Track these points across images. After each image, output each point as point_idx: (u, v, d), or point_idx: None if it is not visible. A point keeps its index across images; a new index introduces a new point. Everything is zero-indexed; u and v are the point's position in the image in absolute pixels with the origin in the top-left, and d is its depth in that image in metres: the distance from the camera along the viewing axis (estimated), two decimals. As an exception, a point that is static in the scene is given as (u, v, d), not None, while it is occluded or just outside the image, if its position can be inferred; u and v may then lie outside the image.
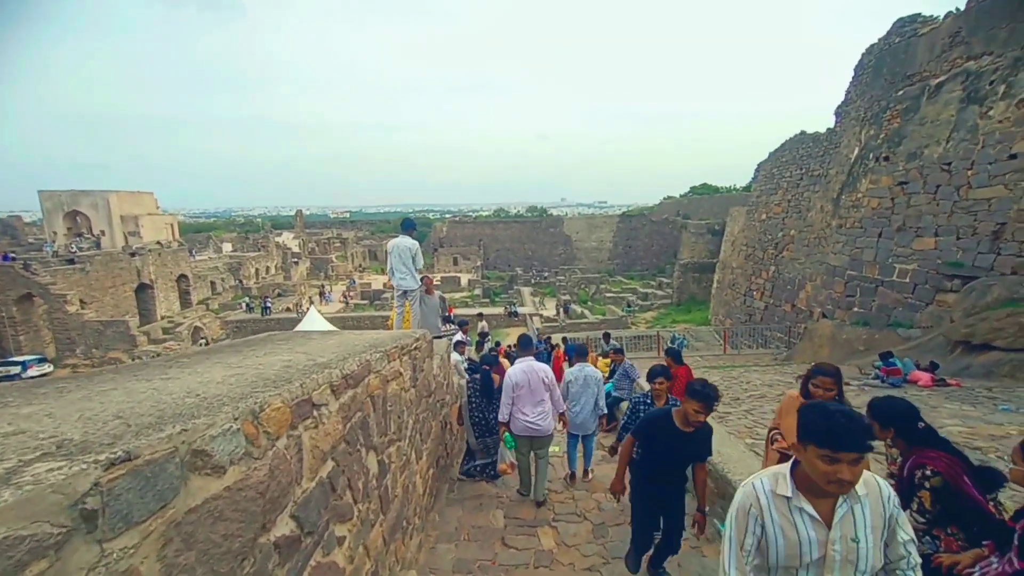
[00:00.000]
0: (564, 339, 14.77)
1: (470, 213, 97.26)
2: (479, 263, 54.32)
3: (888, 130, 12.26)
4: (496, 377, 5.29)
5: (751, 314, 19.62)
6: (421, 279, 6.64)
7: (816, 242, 16.22)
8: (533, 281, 49.32)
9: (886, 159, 12.23)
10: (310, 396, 1.84)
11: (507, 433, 4.87)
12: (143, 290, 35.57)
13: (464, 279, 48.21)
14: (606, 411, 5.64)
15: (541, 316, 32.09)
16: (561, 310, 33.20)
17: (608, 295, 41.52)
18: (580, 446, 5.42)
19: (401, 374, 3.30)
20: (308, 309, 25.01)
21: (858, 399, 8.07)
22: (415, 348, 3.74)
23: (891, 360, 8.69)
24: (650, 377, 4.14)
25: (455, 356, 7.07)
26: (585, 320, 30.12)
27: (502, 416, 4.72)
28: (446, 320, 9.37)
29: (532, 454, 4.82)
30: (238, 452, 1.30)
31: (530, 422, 4.61)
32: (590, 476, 5.44)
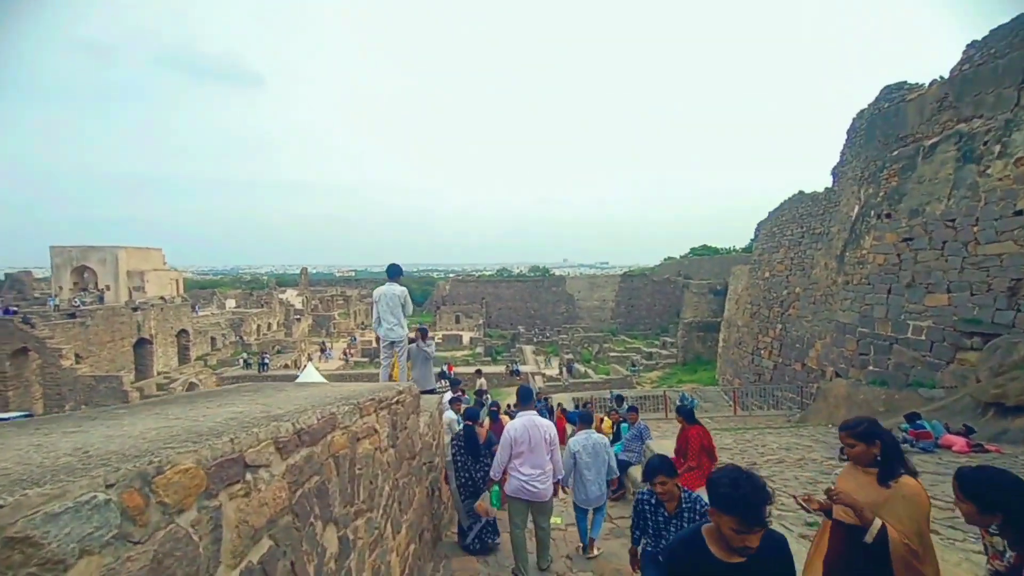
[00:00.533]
0: (560, 405, 14.21)
1: (473, 272, 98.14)
2: (481, 321, 53.97)
3: (887, 188, 12.33)
4: (481, 431, 4.93)
5: (760, 373, 18.97)
6: (414, 328, 6.28)
7: (823, 299, 15.93)
8: (535, 340, 48.81)
9: (888, 216, 12.20)
10: (242, 455, 1.48)
11: (495, 487, 4.44)
12: (142, 345, 35.19)
13: (466, 337, 47.67)
14: (617, 473, 5.18)
15: (544, 375, 31.30)
16: (564, 369, 32.45)
17: (612, 354, 40.90)
18: (589, 515, 4.89)
19: (377, 431, 2.92)
20: (306, 365, 24.44)
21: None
22: (396, 402, 3.36)
23: (919, 422, 8.10)
24: (648, 476, 3.11)
25: (449, 414, 6.60)
26: (589, 380, 29.28)
27: (493, 473, 4.27)
28: (442, 377, 8.95)
29: (531, 524, 4.31)
30: (101, 535, 0.94)
31: (528, 483, 4.10)
32: (595, 551, 4.85)
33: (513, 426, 4.26)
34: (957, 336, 10.47)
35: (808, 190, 18.41)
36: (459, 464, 4.83)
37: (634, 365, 36.63)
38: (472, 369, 22.29)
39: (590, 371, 34.31)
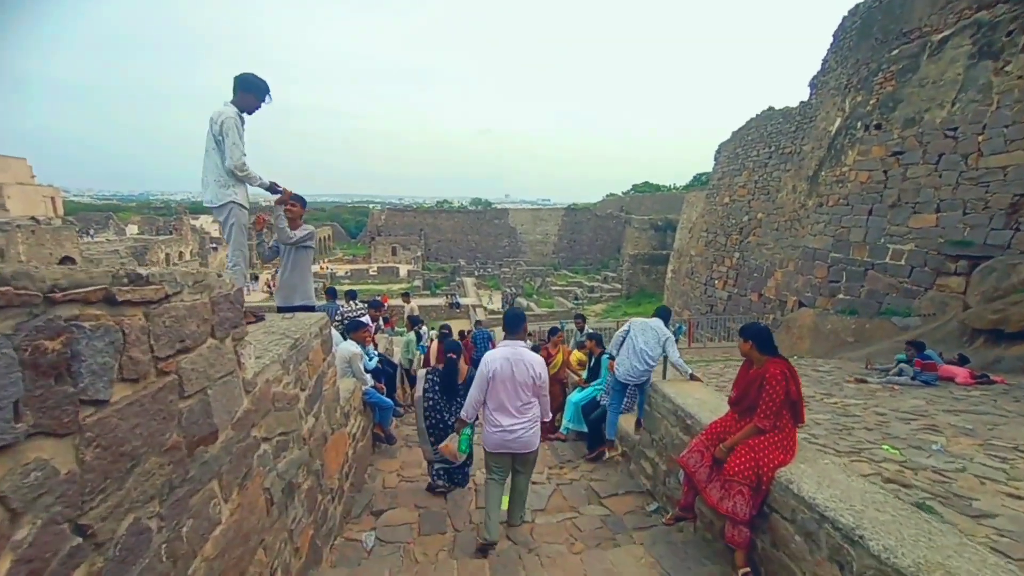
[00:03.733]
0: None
1: (412, 205, 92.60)
2: (420, 253, 51.06)
3: (880, 95, 10.93)
4: (464, 368, 4.22)
5: (712, 304, 18.25)
6: (276, 192, 3.60)
7: (788, 225, 14.93)
8: (477, 273, 47.05)
9: (877, 127, 10.88)
10: None
11: (466, 430, 3.59)
12: (8, 274, 29.50)
13: (403, 270, 44.99)
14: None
15: (485, 308, 29.87)
16: (506, 302, 31.12)
17: (554, 288, 40.23)
18: None
19: None
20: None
21: (897, 400, 6.33)
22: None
23: (926, 353, 7.04)
24: None
25: (348, 346, 4.48)
26: (532, 312, 28.19)
27: (466, 414, 3.43)
28: (350, 297, 6.78)
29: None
30: None
31: (509, 434, 3.24)
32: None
33: (492, 357, 3.30)
34: (940, 260, 9.58)
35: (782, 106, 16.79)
36: (430, 403, 4.15)
37: (577, 298, 36.08)
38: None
39: (533, 304, 33.28)
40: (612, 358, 4.66)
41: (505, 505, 3.46)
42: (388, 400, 5.01)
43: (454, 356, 4.17)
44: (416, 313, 9.62)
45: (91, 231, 49.56)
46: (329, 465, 3.13)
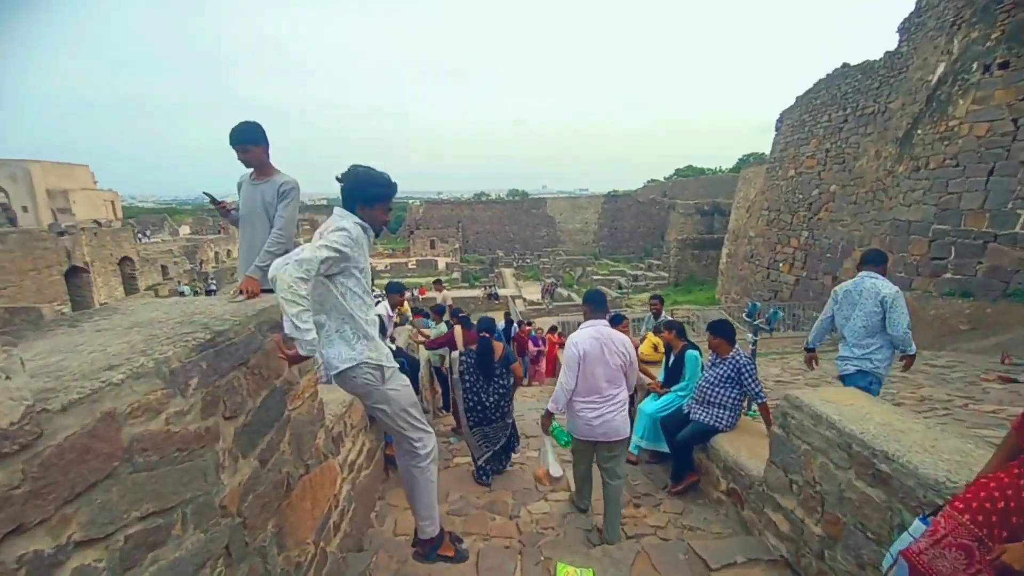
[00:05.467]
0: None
1: (450, 199, 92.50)
2: (457, 246, 50.55)
3: (1005, 25, 8.92)
4: (499, 346, 4.11)
5: (776, 290, 16.36)
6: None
7: (869, 197, 12.94)
8: (515, 264, 46.13)
9: (1003, 66, 8.89)
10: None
11: (556, 425, 3.30)
12: (76, 274, 30.88)
13: (441, 262, 44.67)
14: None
15: (524, 299, 28.82)
16: (547, 293, 29.95)
17: (595, 277, 38.65)
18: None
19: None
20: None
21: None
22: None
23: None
24: None
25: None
26: (573, 303, 26.89)
27: (556, 405, 3.04)
28: (394, 290, 5.71)
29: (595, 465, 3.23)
30: None
31: (597, 418, 2.94)
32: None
33: (580, 337, 3.03)
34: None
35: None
36: (467, 384, 4.11)
37: (621, 287, 34.43)
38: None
39: (573, 294, 31.95)
40: (811, 350, 3.77)
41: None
42: None
43: (488, 335, 4.08)
44: (450, 303, 8.59)
45: (147, 232, 52.05)
46: (296, 525, 2.09)
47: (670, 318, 5.89)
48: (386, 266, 44.67)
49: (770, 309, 9.48)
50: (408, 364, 4.88)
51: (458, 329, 5.45)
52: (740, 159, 63.70)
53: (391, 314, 4.73)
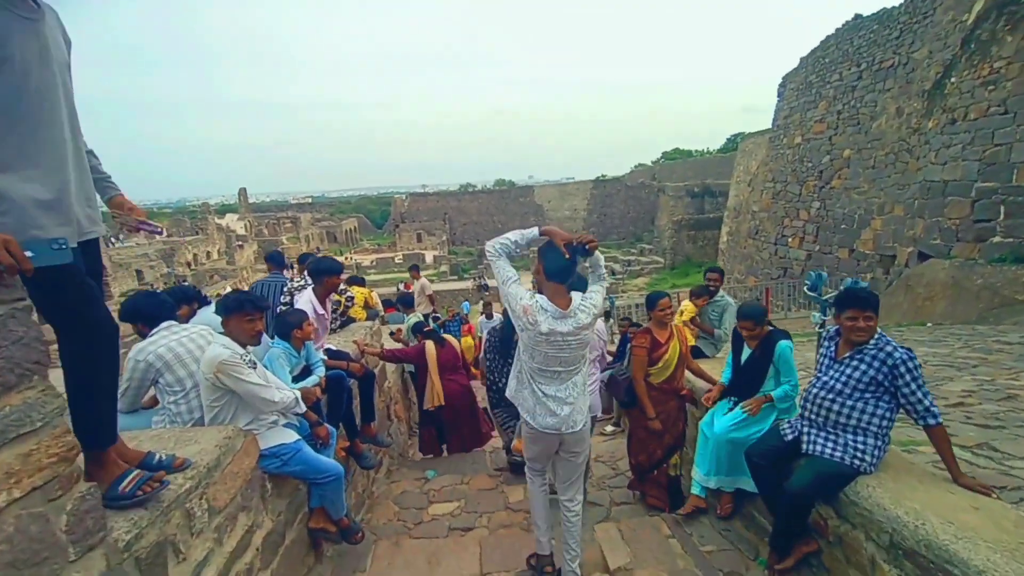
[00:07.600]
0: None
1: (436, 191, 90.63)
2: (445, 238, 49.20)
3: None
4: None
5: (786, 267, 15.27)
6: None
7: (890, 159, 11.83)
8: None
9: (1058, -7, 7.79)
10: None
11: None
12: (33, 283, 29.12)
13: (429, 256, 43.29)
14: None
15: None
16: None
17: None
18: None
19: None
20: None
21: None
22: None
23: None
24: None
25: (216, 351, 2.10)
26: (568, 291, 25.78)
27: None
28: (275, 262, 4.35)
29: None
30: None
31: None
32: None
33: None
34: None
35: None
36: (489, 363, 3.99)
37: (615, 274, 33.47)
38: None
39: (568, 283, 30.84)
40: None
41: None
42: (332, 466, 2.50)
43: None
44: (429, 292, 7.27)
45: (120, 236, 50.00)
46: None
47: (730, 300, 4.46)
48: (372, 262, 43.21)
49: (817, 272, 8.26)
50: (335, 381, 3.18)
51: (430, 346, 4.31)
52: (727, 139, 63.36)
53: (320, 311, 3.13)
